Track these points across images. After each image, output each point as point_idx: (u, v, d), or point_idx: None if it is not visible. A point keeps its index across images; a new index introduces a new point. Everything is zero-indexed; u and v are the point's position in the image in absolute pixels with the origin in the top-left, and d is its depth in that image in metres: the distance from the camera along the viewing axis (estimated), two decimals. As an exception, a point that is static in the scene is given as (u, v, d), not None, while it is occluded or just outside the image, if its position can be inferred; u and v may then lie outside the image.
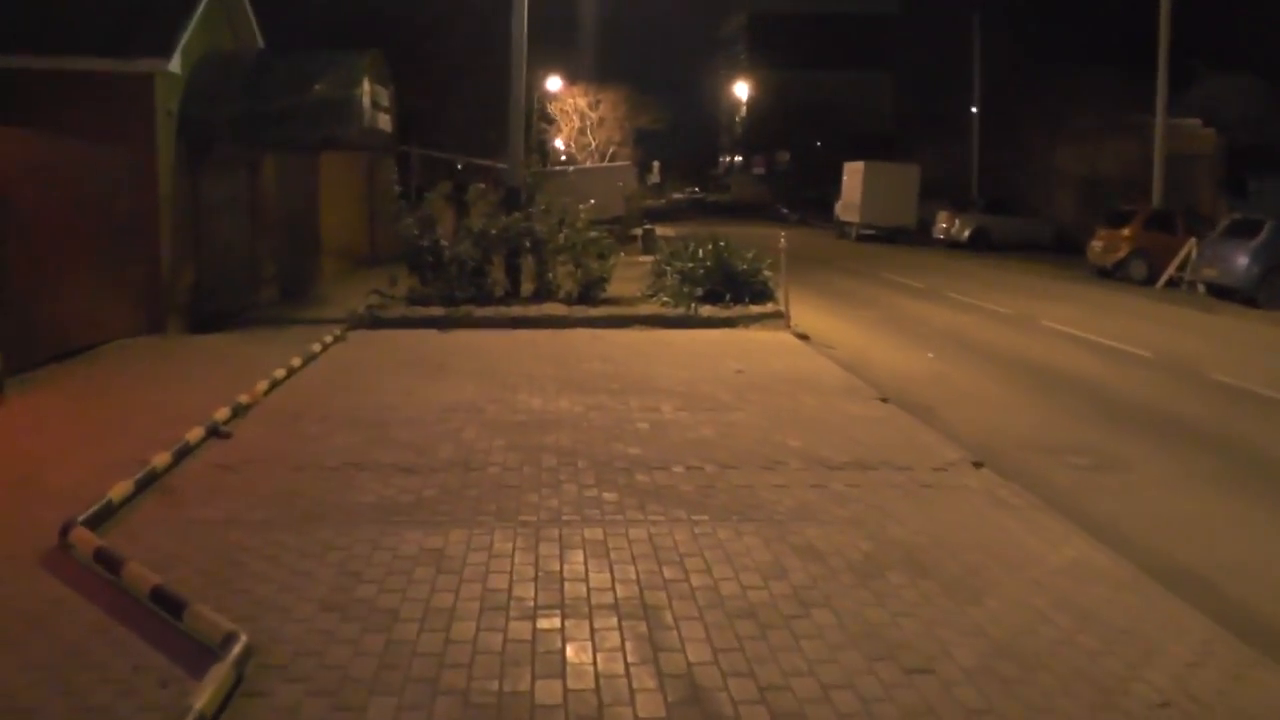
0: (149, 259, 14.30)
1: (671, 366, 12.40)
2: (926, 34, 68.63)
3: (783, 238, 16.67)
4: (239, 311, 16.13)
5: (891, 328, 17.64)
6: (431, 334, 14.61)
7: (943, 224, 40.79)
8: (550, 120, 53.32)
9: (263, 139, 16.30)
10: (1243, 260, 23.15)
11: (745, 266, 16.65)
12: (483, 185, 17.37)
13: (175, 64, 14.64)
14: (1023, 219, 39.97)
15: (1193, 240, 25.51)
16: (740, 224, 50.25)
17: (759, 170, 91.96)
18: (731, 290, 16.30)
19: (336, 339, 13.64)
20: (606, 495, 7.28)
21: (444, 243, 16.14)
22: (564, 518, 6.79)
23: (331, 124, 15.84)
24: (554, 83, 54.20)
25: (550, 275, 16.86)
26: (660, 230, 34.44)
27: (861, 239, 42.58)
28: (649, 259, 24.60)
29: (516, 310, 15.51)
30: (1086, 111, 40.89)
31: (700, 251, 16.91)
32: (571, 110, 55.10)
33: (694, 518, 6.83)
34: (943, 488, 7.78)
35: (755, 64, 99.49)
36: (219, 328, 14.87)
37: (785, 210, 65.08)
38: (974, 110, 47.35)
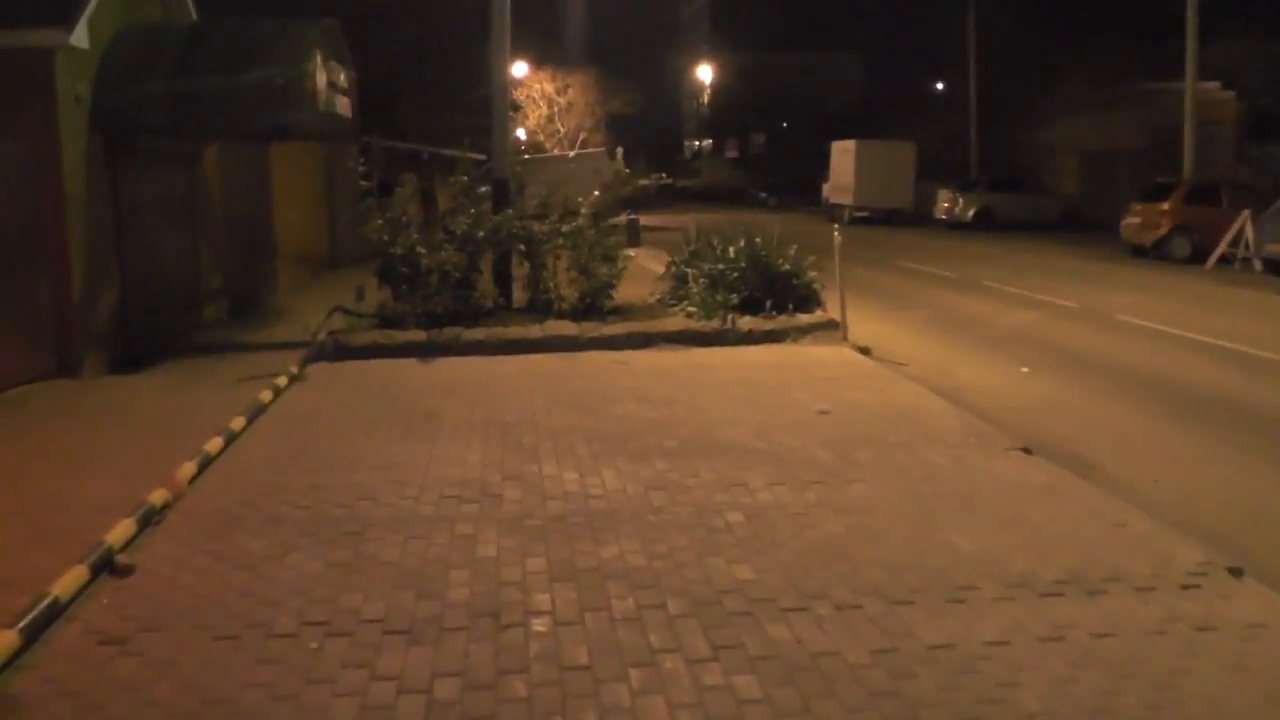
0: (54, 280, 11.30)
1: (730, 404, 9.57)
2: (899, 12, 66.20)
3: (837, 232, 13.81)
4: (177, 336, 13.18)
5: (953, 332, 14.89)
6: (412, 364, 11.69)
7: (944, 204, 38.20)
8: (516, 107, 50.09)
9: (198, 129, 13.32)
10: (1317, 234, 20.63)
11: (788, 267, 13.79)
12: (465, 177, 14.40)
13: (81, 37, 11.63)
14: (1029, 196, 37.43)
15: (1245, 214, 22.92)
16: (717, 210, 47.59)
17: (732, 154, 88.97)
18: (772, 296, 13.45)
19: (293, 379, 10.69)
20: (739, 682, 4.44)
21: (421, 249, 13.19)
22: (690, 749, 3.95)
23: (280, 108, 12.86)
24: (519, 68, 51.02)
25: (552, 283, 13.96)
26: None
27: (855, 222, 39.75)
28: (634, 252, 21.75)
29: (514, 330, 12.59)
30: (1088, 81, 38.47)
31: (731, 250, 14.03)
32: (539, 96, 51.92)
33: (906, 738, 4.02)
34: (1228, 629, 5.03)
35: (718, 46, 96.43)
36: (151, 361, 11.89)
37: (764, 195, 62.35)
38: (971, 85, 44.50)
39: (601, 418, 9.08)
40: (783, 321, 12.99)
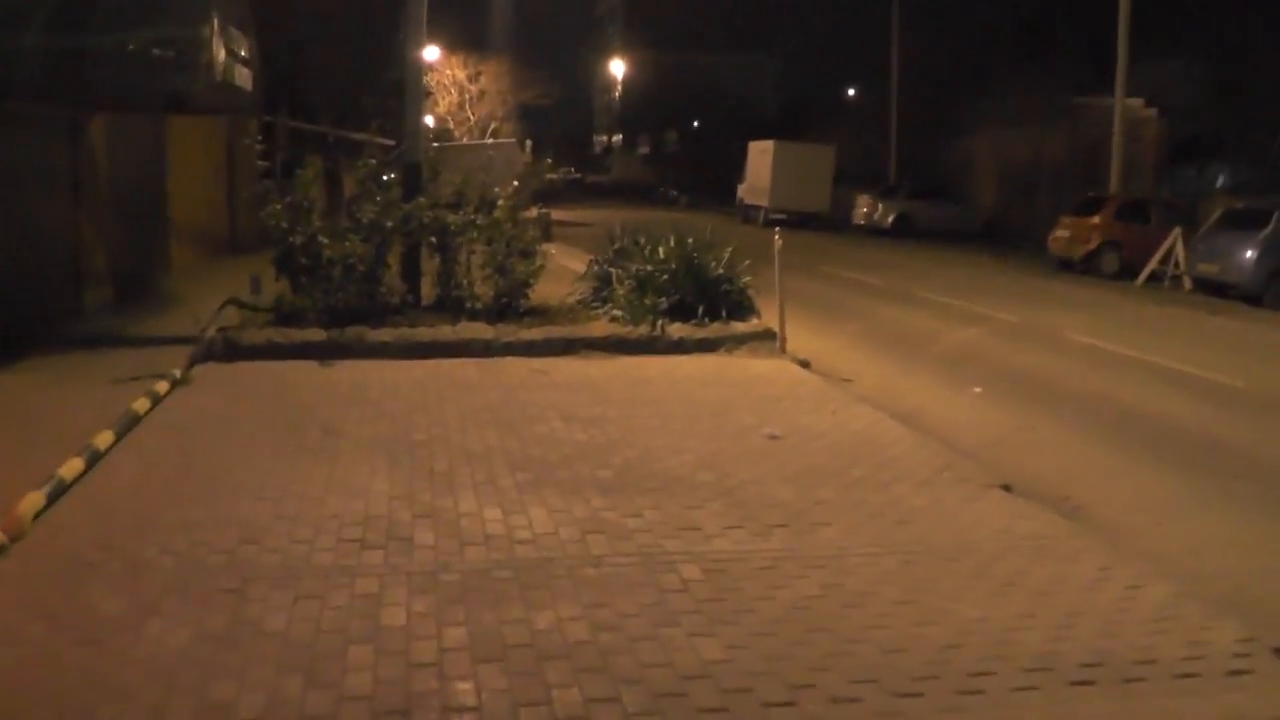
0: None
1: (667, 425, 8.55)
2: (817, 17, 65.80)
3: (778, 235, 12.84)
4: (49, 325, 11.81)
5: (894, 347, 14.08)
6: (311, 367, 10.47)
7: (863, 209, 37.65)
8: (427, 93, 48.52)
9: (79, 93, 11.94)
10: (1249, 255, 20.36)
11: (721, 271, 12.82)
12: (373, 161, 13.20)
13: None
14: (950, 205, 36.99)
15: (1177, 232, 22.60)
16: (626, 207, 46.46)
17: (644, 150, 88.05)
18: (704, 302, 12.45)
19: (175, 383, 9.42)
20: (727, 825, 3.43)
21: (323, 238, 11.98)
22: None
23: (173, 76, 11.56)
24: (431, 52, 49.51)
25: (465, 280, 12.83)
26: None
27: (770, 224, 38.93)
28: (553, 249, 20.69)
29: (424, 332, 11.42)
30: (1011, 94, 38.26)
31: (661, 250, 13.02)
32: (450, 82, 50.38)
33: None
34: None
35: (632, 43, 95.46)
36: (13, 355, 10.50)
37: (674, 193, 61.36)
38: (892, 90, 43.98)
39: (524, 438, 8.00)
40: (716, 330, 12.01)
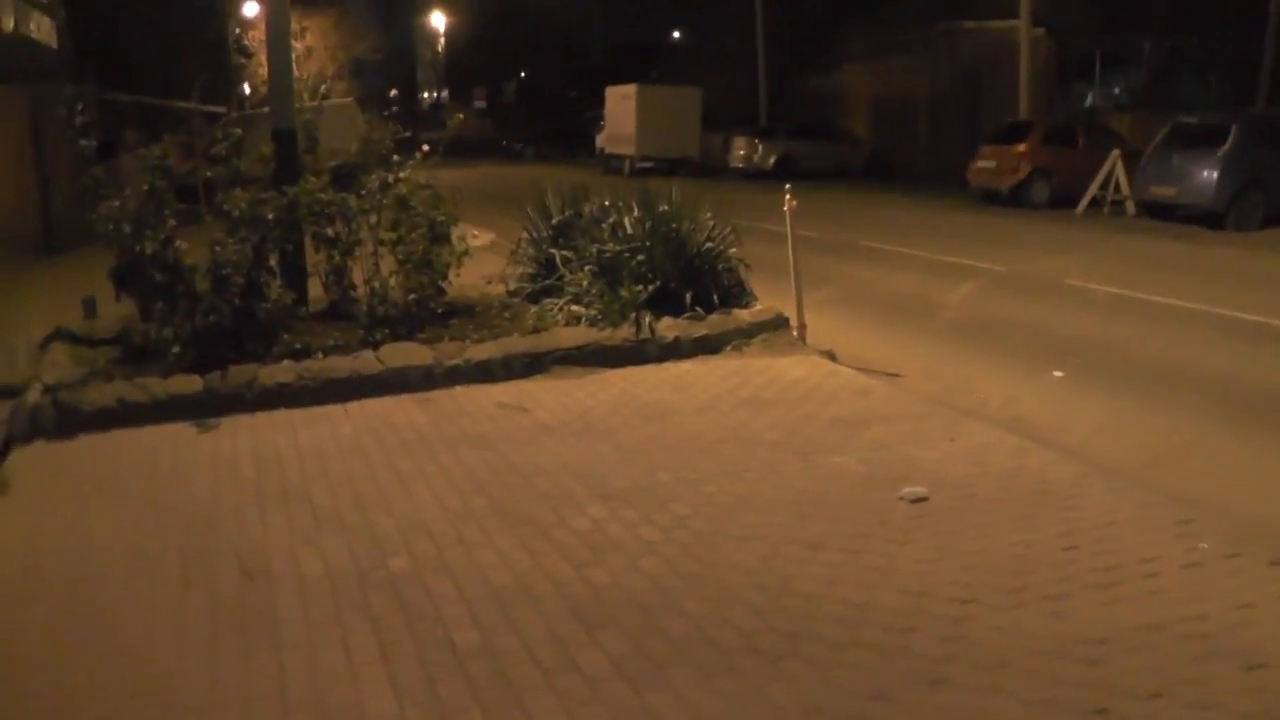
0: None
1: (757, 490, 5.76)
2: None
3: (789, 194, 10.09)
4: None
5: (893, 316, 11.69)
6: (186, 435, 7.32)
7: (741, 151, 35.18)
8: (249, 54, 44.02)
9: None
10: (1209, 174, 18.44)
11: (710, 244, 10.04)
12: (238, 130, 9.96)
13: None
14: (832, 143, 34.80)
15: (1116, 154, 20.72)
16: (474, 165, 43.11)
17: (479, 104, 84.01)
18: (693, 287, 9.67)
19: (-17, 485, 6.27)
20: None
21: (181, 243, 8.78)
22: None
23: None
24: (251, 8, 45.10)
25: (373, 281, 9.76)
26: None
27: (638, 174, 36.17)
28: (468, 228, 17.47)
29: (337, 363, 8.31)
30: (878, 25, 36.41)
31: (628, 223, 10.14)
32: (272, 41, 46.06)
33: None
34: None
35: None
36: None
37: (519, 146, 58.07)
38: (758, 26, 41.37)
39: (565, 549, 5.12)
40: (716, 323, 9.23)
